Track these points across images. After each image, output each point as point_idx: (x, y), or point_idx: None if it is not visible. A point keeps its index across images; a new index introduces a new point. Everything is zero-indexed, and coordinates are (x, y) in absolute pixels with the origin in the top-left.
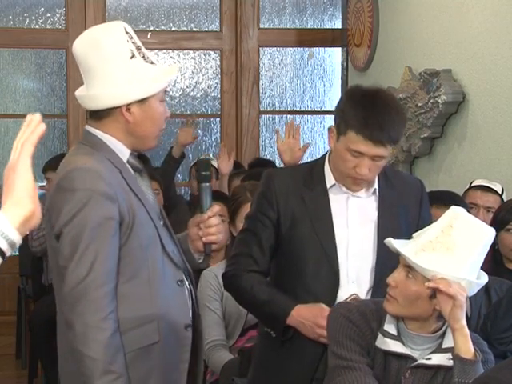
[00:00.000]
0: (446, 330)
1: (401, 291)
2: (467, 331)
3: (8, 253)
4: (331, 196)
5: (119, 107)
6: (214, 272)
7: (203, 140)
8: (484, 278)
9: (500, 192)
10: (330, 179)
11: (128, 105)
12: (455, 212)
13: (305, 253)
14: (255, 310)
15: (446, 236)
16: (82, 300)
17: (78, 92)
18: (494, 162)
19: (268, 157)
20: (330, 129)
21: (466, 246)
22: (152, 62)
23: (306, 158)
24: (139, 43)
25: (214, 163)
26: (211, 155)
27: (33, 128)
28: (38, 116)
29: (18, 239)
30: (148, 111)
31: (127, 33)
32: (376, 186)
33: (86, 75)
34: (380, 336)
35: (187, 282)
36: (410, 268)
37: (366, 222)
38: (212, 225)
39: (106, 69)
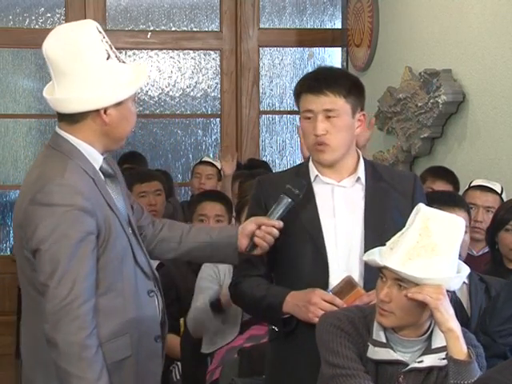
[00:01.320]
0: (433, 330)
1: (396, 304)
2: (457, 333)
3: None
4: (315, 188)
5: (97, 110)
6: (216, 264)
7: (203, 140)
8: (465, 270)
9: (499, 192)
10: (313, 172)
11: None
12: (426, 212)
13: (295, 246)
14: (256, 310)
15: (426, 238)
16: (64, 319)
17: (49, 94)
18: (494, 161)
19: (268, 157)
20: (298, 127)
21: (448, 243)
22: (123, 61)
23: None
24: (110, 42)
25: (217, 164)
26: (211, 155)
27: None
28: None
29: None
30: (124, 112)
31: (100, 32)
32: (361, 174)
33: (60, 77)
34: (370, 346)
35: (155, 290)
36: (400, 280)
37: (353, 211)
38: (272, 234)
39: (84, 71)
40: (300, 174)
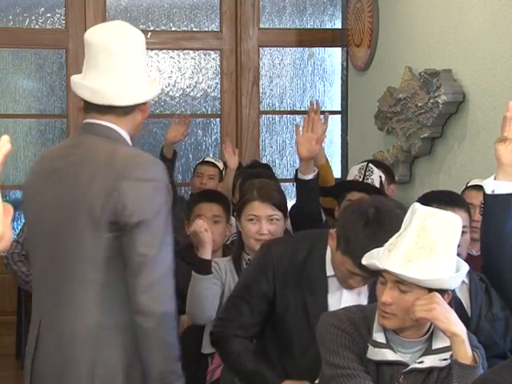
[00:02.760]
0: (433, 331)
1: (398, 306)
2: (462, 336)
3: None
4: (330, 286)
5: (144, 103)
6: (217, 262)
7: (203, 140)
8: (464, 268)
9: None
10: (329, 269)
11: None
12: (422, 212)
13: (296, 333)
14: (242, 378)
15: (425, 239)
16: (163, 288)
17: (98, 85)
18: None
19: (268, 157)
20: (331, 234)
21: (447, 242)
22: None
23: None
24: None
25: (219, 165)
26: (211, 155)
27: None
28: (5, 137)
29: None
30: (147, 109)
31: None
32: None
33: (111, 68)
34: (370, 347)
35: None
36: (400, 282)
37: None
38: None
39: (139, 64)
40: (314, 257)
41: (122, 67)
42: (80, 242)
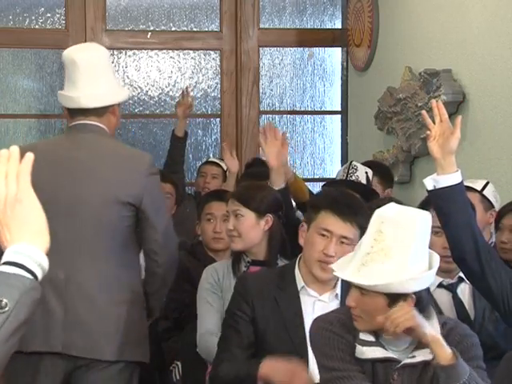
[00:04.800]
0: None
1: (361, 309)
2: (437, 336)
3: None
4: (301, 297)
5: (114, 106)
6: (216, 267)
7: (203, 140)
8: (436, 261)
9: (479, 189)
10: (300, 282)
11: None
12: (380, 216)
13: (276, 350)
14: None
15: (380, 243)
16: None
17: (72, 93)
18: (494, 161)
19: None
20: (301, 226)
21: (401, 245)
22: None
23: (307, 157)
24: None
25: (223, 165)
26: (211, 156)
27: (17, 160)
28: (16, 148)
29: (47, 266)
30: (117, 112)
31: None
32: (338, 290)
33: (91, 77)
34: (358, 347)
35: None
36: (360, 286)
37: None
38: None
39: (106, 73)
40: (285, 277)
41: (90, 77)
42: (100, 219)
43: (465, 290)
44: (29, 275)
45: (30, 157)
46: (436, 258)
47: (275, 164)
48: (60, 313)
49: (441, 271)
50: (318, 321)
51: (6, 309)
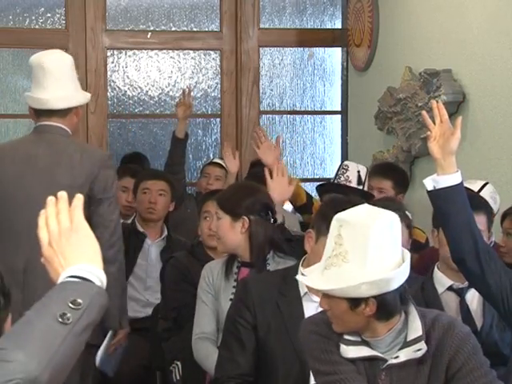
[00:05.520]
0: (406, 321)
1: (331, 312)
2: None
3: None
4: (304, 304)
5: (77, 107)
6: (211, 266)
7: (203, 140)
8: (407, 256)
9: (476, 190)
10: (303, 288)
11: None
12: (339, 220)
13: (278, 355)
14: None
15: (339, 247)
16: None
17: (40, 95)
18: (494, 161)
19: None
20: (308, 233)
21: (358, 248)
22: None
23: (307, 157)
24: None
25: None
26: (211, 156)
27: (66, 200)
28: (64, 193)
29: (106, 282)
30: (80, 112)
31: None
32: None
33: (58, 80)
34: (342, 346)
35: None
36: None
37: None
38: None
39: (69, 77)
40: (287, 282)
41: (56, 80)
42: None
43: (474, 296)
44: (95, 283)
45: (80, 197)
46: (407, 259)
47: (279, 200)
48: (18, 302)
49: (455, 271)
50: (304, 324)
51: (81, 306)
